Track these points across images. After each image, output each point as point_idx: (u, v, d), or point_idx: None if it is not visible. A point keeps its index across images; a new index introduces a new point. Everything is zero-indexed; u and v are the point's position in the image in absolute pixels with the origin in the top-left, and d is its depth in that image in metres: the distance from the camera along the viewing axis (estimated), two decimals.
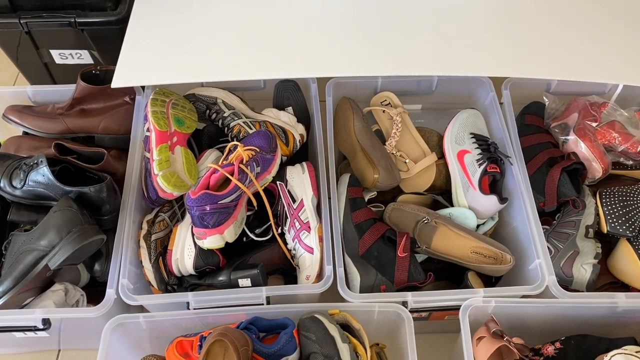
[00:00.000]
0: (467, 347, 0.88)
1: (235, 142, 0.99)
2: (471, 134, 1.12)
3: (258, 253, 1.03)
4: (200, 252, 0.97)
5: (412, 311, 0.97)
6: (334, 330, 0.87)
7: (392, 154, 1.12)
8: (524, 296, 0.96)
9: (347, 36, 1.09)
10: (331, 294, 0.95)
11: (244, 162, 0.96)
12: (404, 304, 0.93)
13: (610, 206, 1.02)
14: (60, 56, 1.34)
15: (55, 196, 0.96)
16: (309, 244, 1.00)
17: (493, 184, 1.10)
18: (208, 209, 0.91)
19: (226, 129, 1.13)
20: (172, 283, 1.01)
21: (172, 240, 0.99)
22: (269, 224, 1.03)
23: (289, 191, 1.03)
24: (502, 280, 1.07)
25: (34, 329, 0.93)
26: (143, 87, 1.15)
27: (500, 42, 1.08)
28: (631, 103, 1.21)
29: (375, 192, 1.11)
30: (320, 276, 0.98)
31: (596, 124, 1.13)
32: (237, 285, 0.96)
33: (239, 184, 0.94)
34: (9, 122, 1.14)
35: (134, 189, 1.03)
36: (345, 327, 0.91)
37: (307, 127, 1.16)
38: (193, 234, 0.98)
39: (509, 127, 1.11)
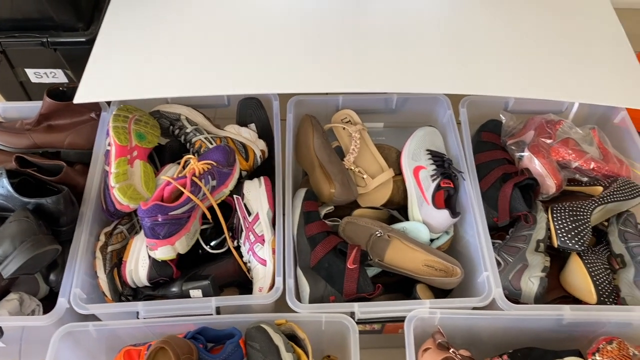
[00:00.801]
0: (411, 359, 0.89)
1: (189, 156, 1.02)
2: (427, 150, 1.15)
3: (213, 265, 1.04)
4: (154, 264, 0.99)
5: (361, 323, 0.99)
6: (278, 340, 0.88)
7: (351, 169, 1.15)
8: (475, 308, 0.97)
9: (307, 54, 1.12)
10: (286, 305, 0.96)
11: (197, 174, 0.98)
12: (352, 315, 0.94)
13: (561, 221, 1.03)
14: (36, 75, 1.38)
15: (14, 207, 0.99)
16: (262, 256, 1.01)
17: (448, 199, 1.12)
18: (159, 219, 0.93)
19: (188, 144, 1.16)
20: (127, 294, 1.02)
21: (127, 252, 1.01)
22: (223, 236, 1.04)
23: (245, 204, 1.06)
24: (454, 293, 1.08)
25: None
26: (109, 104, 1.19)
27: (458, 61, 1.11)
28: (588, 121, 1.24)
29: (333, 207, 1.13)
30: (272, 288, 0.99)
31: (551, 141, 1.15)
32: (188, 296, 0.97)
33: (191, 196, 0.96)
34: None
35: (92, 201, 1.05)
36: (292, 337, 0.92)
37: (269, 143, 1.19)
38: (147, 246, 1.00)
39: (464, 144, 1.14)
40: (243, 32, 1.15)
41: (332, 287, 0.98)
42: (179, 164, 1.12)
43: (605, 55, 1.14)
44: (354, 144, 1.17)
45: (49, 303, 1.04)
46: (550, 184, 1.10)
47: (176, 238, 0.96)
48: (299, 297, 0.98)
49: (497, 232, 1.12)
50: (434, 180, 1.09)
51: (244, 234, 1.04)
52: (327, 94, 1.23)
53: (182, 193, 0.98)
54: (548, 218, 1.05)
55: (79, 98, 1.06)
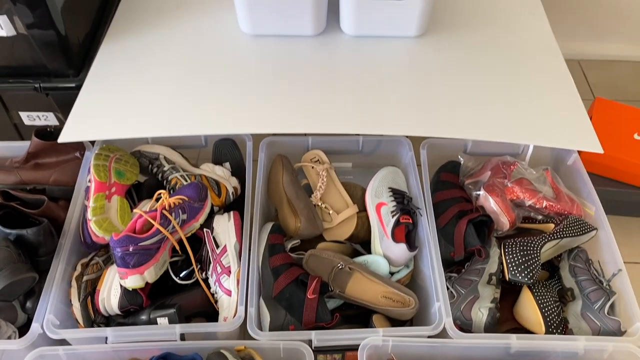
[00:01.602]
0: None
1: (161, 191, 1.09)
2: (389, 188, 1.22)
3: (181, 295, 1.10)
4: (125, 293, 1.05)
5: (322, 352, 1.03)
6: None
7: (317, 205, 1.22)
8: (430, 337, 1.02)
9: (279, 97, 1.21)
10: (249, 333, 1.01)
11: (168, 208, 1.05)
12: (310, 342, 0.99)
13: (512, 255, 1.09)
14: (29, 117, 1.47)
15: None
16: (228, 287, 1.07)
17: (408, 234, 1.18)
18: (130, 249, 1.00)
19: (165, 181, 1.23)
20: (99, 322, 1.07)
21: (101, 281, 1.07)
22: (192, 268, 1.11)
23: (214, 237, 1.12)
24: (411, 323, 1.12)
25: None
26: (93, 144, 1.27)
27: (419, 106, 1.20)
28: (543, 163, 1.31)
29: (299, 241, 1.19)
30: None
31: (506, 181, 1.22)
32: (155, 323, 1.02)
33: (160, 228, 1.03)
34: None
35: (71, 234, 1.12)
36: None
37: (242, 181, 1.27)
38: None
39: (423, 183, 1.21)
40: (218, 77, 1.24)
41: (292, 317, 1.03)
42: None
43: (556, 103, 1.22)
44: (320, 181, 1.24)
45: (26, 330, 1.09)
46: (504, 221, 1.17)
47: (145, 268, 1.02)
48: (260, 326, 1.03)
49: (455, 266, 1.18)
50: (393, 215, 1.16)
51: (211, 265, 1.10)
52: (297, 135, 1.31)
53: (153, 225, 1.05)
54: (500, 252, 1.11)
55: (64, 137, 1.15)
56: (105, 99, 1.21)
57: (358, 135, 1.30)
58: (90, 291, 1.08)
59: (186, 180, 1.20)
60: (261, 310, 1.05)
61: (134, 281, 1.02)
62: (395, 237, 1.14)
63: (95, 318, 1.07)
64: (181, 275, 1.11)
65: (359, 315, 1.14)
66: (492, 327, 1.03)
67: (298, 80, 1.24)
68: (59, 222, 1.14)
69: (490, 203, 1.18)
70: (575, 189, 1.25)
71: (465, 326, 1.04)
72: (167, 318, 1.02)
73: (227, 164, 1.28)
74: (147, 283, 1.04)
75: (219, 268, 1.09)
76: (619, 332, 1.02)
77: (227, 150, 1.29)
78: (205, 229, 1.13)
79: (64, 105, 1.40)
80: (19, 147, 1.29)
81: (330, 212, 1.21)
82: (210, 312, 1.12)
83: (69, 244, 1.11)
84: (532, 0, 1.46)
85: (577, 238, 1.14)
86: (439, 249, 1.11)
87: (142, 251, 1.01)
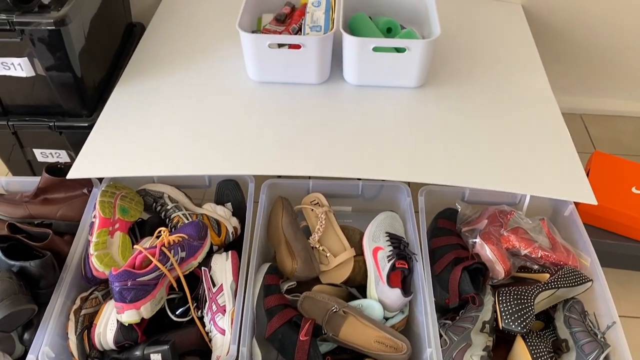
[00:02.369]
0: None
1: (162, 228, 1.12)
2: (386, 233, 1.24)
3: (177, 332, 1.11)
4: (121, 328, 1.07)
5: None
6: None
7: (315, 247, 1.24)
8: None
9: (280, 140, 1.25)
10: None
11: (167, 245, 1.08)
12: None
13: (506, 304, 1.09)
14: (42, 154, 1.53)
15: (1, 268, 1.09)
16: (222, 326, 1.08)
17: (404, 280, 1.19)
18: (128, 284, 1.02)
19: (167, 219, 1.27)
20: (94, 356, 1.09)
21: (98, 316, 1.09)
22: (188, 305, 1.12)
23: (211, 276, 1.14)
24: None
25: None
26: (101, 181, 1.32)
27: (418, 153, 1.23)
28: (539, 213, 1.32)
29: (295, 283, 1.20)
30: None
31: (502, 229, 1.23)
32: (149, 359, 1.03)
33: (158, 264, 1.05)
34: None
35: (73, 268, 1.14)
36: None
37: (243, 222, 1.29)
38: None
39: (419, 229, 1.23)
40: (224, 120, 1.30)
41: (284, 358, 1.04)
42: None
43: (552, 154, 1.25)
44: (319, 224, 1.26)
45: None
46: (499, 270, 1.18)
47: (142, 303, 1.04)
48: None
49: (450, 313, 1.18)
50: (389, 260, 1.18)
51: (207, 304, 1.11)
52: (298, 177, 1.35)
53: (151, 262, 1.07)
54: (495, 301, 1.12)
55: (73, 174, 1.19)
56: (115, 139, 1.26)
57: (358, 180, 1.33)
58: (87, 325, 1.10)
59: (188, 219, 1.24)
60: (253, 351, 1.06)
61: (130, 316, 1.03)
62: (390, 282, 1.15)
63: (91, 352, 1.08)
64: (177, 313, 1.13)
65: (351, 359, 1.14)
66: None
67: (301, 125, 1.29)
68: (62, 255, 1.17)
69: (486, 251, 1.19)
70: (572, 240, 1.26)
71: None
72: (160, 354, 1.03)
73: (229, 204, 1.31)
74: (143, 319, 1.06)
75: (214, 307, 1.10)
76: None
77: (229, 190, 1.33)
78: (203, 268, 1.15)
79: (76, 144, 1.46)
80: (30, 183, 1.33)
81: (328, 254, 1.23)
82: (204, 351, 1.13)
83: (69, 278, 1.13)
84: (530, 54, 1.51)
85: (572, 289, 1.14)
86: (433, 295, 1.12)
87: (139, 286, 1.04)
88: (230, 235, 1.25)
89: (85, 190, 1.30)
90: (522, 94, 1.39)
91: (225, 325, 1.08)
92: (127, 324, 1.06)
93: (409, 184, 1.34)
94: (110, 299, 1.16)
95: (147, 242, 1.18)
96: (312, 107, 1.33)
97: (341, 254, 1.24)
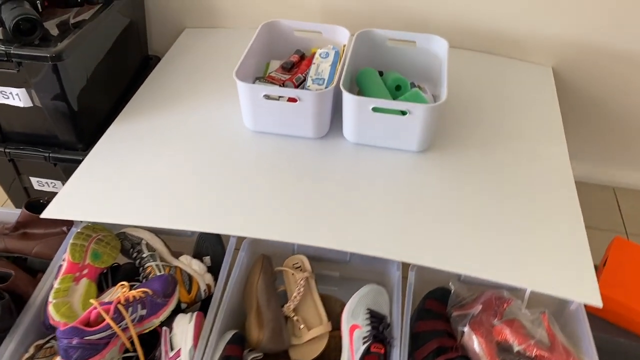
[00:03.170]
0: None
1: (123, 283, 1.06)
2: (368, 309, 1.14)
3: None
4: None
5: None
6: None
7: (288, 316, 1.15)
8: None
9: (268, 199, 1.19)
10: None
11: (125, 302, 1.02)
12: None
13: None
14: (38, 183, 1.52)
15: None
16: None
17: None
18: (74, 342, 0.96)
19: (141, 268, 1.21)
20: None
21: None
22: None
23: (170, 338, 1.07)
24: None
25: None
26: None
27: (410, 229, 1.14)
28: (544, 303, 1.19)
29: (261, 354, 1.12)
30: None
31: (496, 319, 1.11)
32: None
33: (111, 323, 0.99)
34: None
35: (32, 312, 1.10)
36: None
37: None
38: None
39: (404, 310, 1.12)
40: (213, 173, 1.24)
41: None
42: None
43: (560, 242, 1.13)
44: (297, 291, 1.18)
45: None
46: None
47: None
48: None
49: None
50: (365, 342, 1.07)
51: None
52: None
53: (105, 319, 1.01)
54: None
55: (46, 214, 1.16)
56: (98, 181, 1.23)
57: None
58: None
59: (160, 271, 1.17)
60: None
61: None
62: None
63: None
64: None
65: None
66: None
67: (291, 184, 1.22)
68: (24, 298, 1.13)
69: (473, 343, 1.07)
70: (575, 337, 1.12)
71: None
72: None
73: (208, 259, 1.25)
74: None
75: None
76: None
77: (210, 243, 1.26)
78: (164, 327, 1.08)
79: (70, 176, 1.44)
80: (12, 214, 1.31)
81: (302, 326, 1.14)
82: None
83: (28, 322, 1.08)
84: (554, 127, 1.38)
85: None
86: None
87: (87, 345, 0.97)
88: (202, 293, 1.18)
89: (64, 228, 1.27)
90: (536, 172, 1.27)
91: None
92: None
93: None
94: None
95: (108, 294, 1.13)
96: (306, 164, 1.26)
97: (316, 327, 1.14)
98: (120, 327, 1.01)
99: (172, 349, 1.06)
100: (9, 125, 1.40)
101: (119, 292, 1.09)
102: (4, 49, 1.21)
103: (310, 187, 1.21)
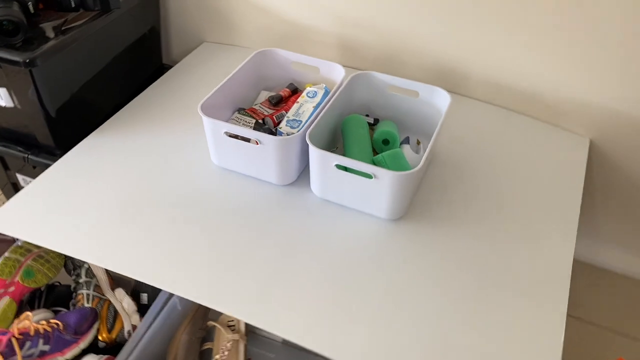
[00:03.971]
0: None
1: (27, 313, 1.00)
2: None
3: None
4: None
5: None
6: None
7: None
8: None
9: (218, 254, 1.04)
10: None
11: (21, 335, 0.96)
12: None
13: None
14: (24, 181, 1.51)
15: None
16: None
17: None
18: None
19: (74, 294, 1.15)
20: None
21: None
22: None
23: None
24: None
25: None
26: None
27: (364, 320, 0.98)
28: None
29: None
30: None
31: None
32: None
33: None
34: None
35: None
36: None
37: None
38: None
39: None
40: (169, 211, 1.11)
41: None
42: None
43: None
44: (221, 353, 1.06)
45: None
46: None
47: None
48: None
49: None
50: None
51: None
52: None
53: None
54: None
55: None
56: (50, 196, 1.16)
57: None
58: None
59: (88, 302, 1.11)
60: None
61: None
62: None
63: None
64: None
65: None
66: None
67: (245, 238, 1.04)
68: None
69: None
70: None
71: None
72: None
73: (145, 296, 1.16)
74: None
75: None
76: None
77: None
78: None
79: None
80: None
81: None
82: None
83: None
84: (569, 215, 1.16)
85: None
86: None
87: None
88: (125, 334, 1.10)
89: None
90: (532, 270, 1.05)
91: None
92: None
93: None
94: None
95: (23, 320, 1.07)
96: (266, 215, 1.12)
97: None
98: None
99: None
100: None
101: (24, 321, 1.03)
102: None
103: (264, 245, 1.04)
